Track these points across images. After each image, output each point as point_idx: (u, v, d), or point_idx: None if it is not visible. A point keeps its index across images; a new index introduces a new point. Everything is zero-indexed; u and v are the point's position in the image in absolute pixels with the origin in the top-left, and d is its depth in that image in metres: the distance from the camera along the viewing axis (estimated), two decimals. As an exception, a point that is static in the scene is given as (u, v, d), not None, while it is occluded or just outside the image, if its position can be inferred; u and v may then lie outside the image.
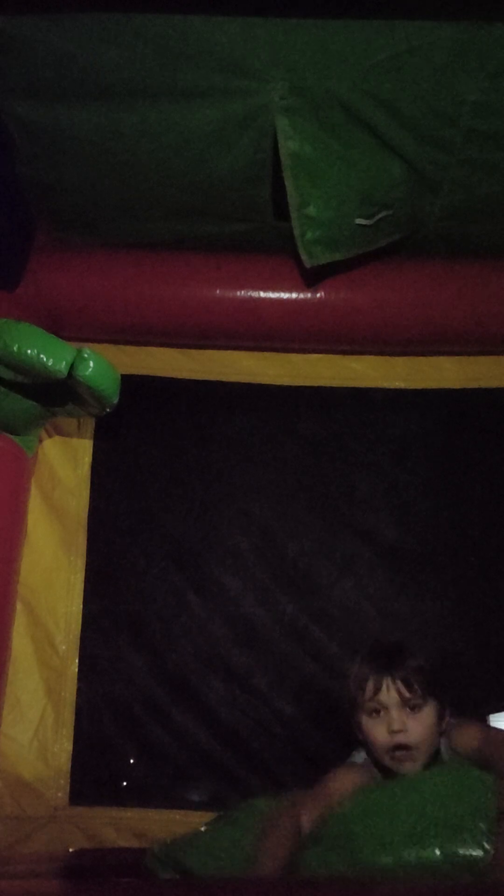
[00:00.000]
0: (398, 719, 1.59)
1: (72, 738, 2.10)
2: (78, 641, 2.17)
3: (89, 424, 2.35)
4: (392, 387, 2.42)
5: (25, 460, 2.12)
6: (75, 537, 2.27)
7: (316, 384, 2.42)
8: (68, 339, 1.86)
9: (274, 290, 2.22)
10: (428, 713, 1.62)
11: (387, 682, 1.61)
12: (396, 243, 2.15)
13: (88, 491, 2.31)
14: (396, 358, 2.42)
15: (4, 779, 2.05)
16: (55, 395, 1.93)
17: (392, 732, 1.59)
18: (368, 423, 2.39)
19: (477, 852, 1.36)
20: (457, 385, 2.42)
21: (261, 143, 1.86)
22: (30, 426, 2.07)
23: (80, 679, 2.15)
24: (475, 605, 2.22)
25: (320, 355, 2.43)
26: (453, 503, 2.32)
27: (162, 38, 1.62)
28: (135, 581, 2.25)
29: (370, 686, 1.63)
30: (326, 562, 2.26)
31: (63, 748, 2.09)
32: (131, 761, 2.09)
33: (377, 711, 1.62)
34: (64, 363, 1.72)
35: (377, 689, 1.62)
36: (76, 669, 2.15)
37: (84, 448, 2.34)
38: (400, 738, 1.59)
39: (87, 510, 2.30)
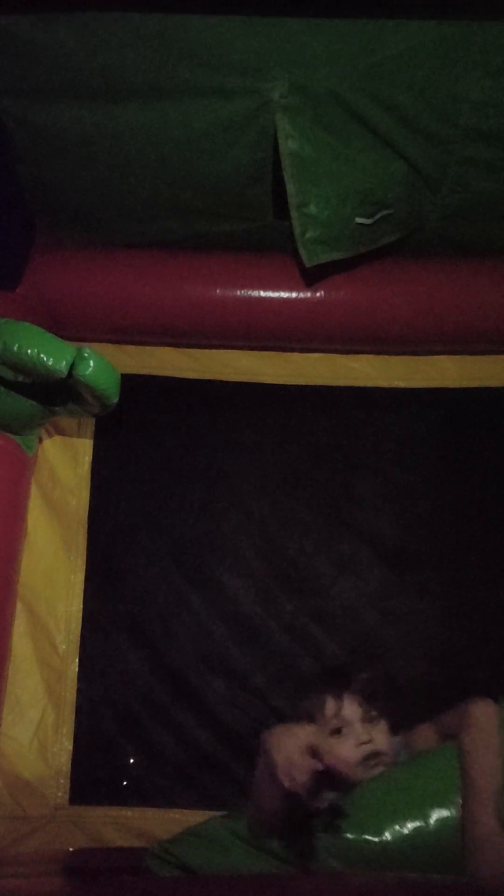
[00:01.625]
0: (363, 731, 1.63)
1: (72, 738, 2.10)
2: (78, 641, 2.17)
3: (89, 424, 2.35)
4: (392, 386, 2.42)
5: (25, 460, 2.12)
6: (75, 537, 2.26)
7: (316, 384, 2.42)
8: (68, 339, 1.85)
9: (274, 289, 2.22)
10: (384, 725, 1.67)
11: (347, 699, 1.66)
12: (396, 243, 2.15)
13: (88, 491, 2.31)
14: (396, 357, 2.43)
15: (4, 779, 2.04)
16: (55, 395, 1.93)
17: (360, 745, 1.62)
18: (368, 423, 2.39)
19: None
20: (457, 385, 2.42)
21: (261, 143, 1.86)
22: (30, 426, 2.07)
23: (80, 679, 2.14)
24: (475, 605, 2.22)
25: (320, 355, 2.43)
26: (453, 503, 2.32)
27: (161, 37, 1.62)
28: (135, 581, 2.24)
29: (330, 706, 1.66)
30: (326, 562, 2.26)
31: (63, 748, 2.09)
32: (131, 761, 2.09)
33: (339, 730, 1.65)
34: (64, 363, 1.71)
35: (339, 707, 1.66)
36: (76, 669, 2.15)
37: (84, 448, 2.34)
38: (368, 748, 1.61)
39: (87, 510, 2.29)
